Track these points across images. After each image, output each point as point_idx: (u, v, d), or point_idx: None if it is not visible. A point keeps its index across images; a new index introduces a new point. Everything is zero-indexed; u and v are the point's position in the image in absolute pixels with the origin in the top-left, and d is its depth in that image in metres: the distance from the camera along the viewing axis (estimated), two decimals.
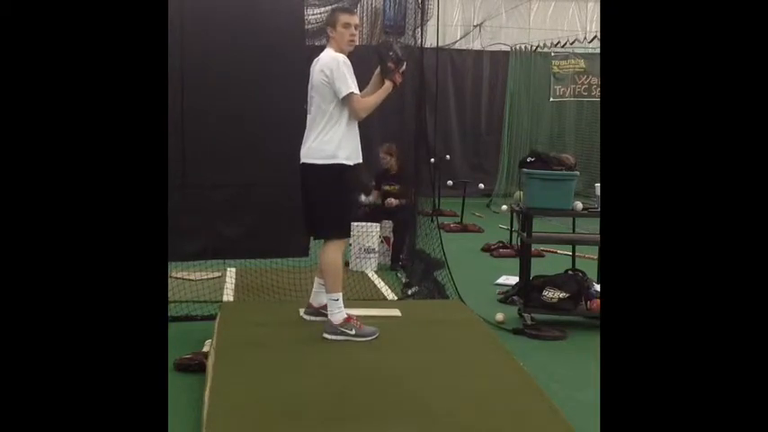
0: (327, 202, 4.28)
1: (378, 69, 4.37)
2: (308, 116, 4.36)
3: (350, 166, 4.26)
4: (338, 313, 4.24)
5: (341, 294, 4.28)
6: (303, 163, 4.33)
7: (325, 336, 4.24)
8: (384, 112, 8.56)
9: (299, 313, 4.62)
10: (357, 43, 4.35)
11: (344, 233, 4.42)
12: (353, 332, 4.22)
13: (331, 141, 4.22)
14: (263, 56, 5.28)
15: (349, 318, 4.26)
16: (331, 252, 4.31)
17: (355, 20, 4.37)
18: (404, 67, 4.27)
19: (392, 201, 7.51)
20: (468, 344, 4.35)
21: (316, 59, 4.35)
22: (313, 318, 4.50)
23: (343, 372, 3.80)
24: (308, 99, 4.36)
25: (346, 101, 4.17)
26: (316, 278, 4.55)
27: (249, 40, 5.28)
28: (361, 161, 4.35)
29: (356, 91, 4.19)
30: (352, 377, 3.72)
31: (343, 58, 4.22)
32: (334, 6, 4.70)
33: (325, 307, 4.39)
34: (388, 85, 4.29)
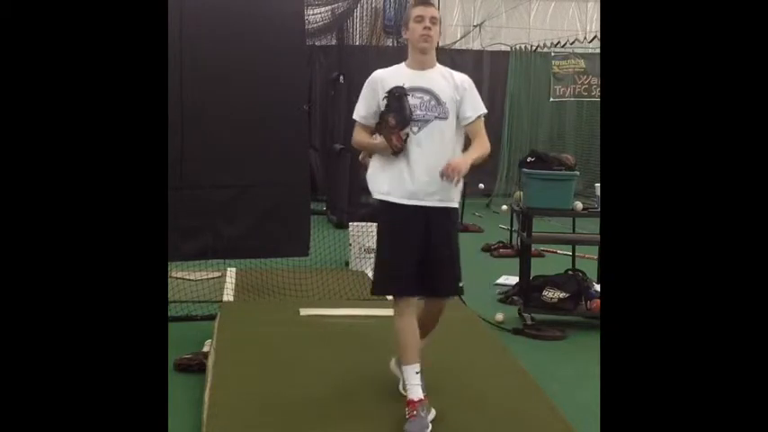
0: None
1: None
2: None
3: (388, 202, 3.38)
4: (409, 388, 3.34)
5: (410, 368, 3.33)
6: None
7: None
8: None
9: (300, 313, 4.63)
10: (428, 40, 3.43)
11: (381, 289, 3.51)
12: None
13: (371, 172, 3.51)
14: (263, 56, 5.28)
15: (410, 402, 3.27)
16: (394, 313, 3.42)
17: (430, 12, 3.43)
18: (405, 131, 3.30)
19: None
20: (468, 344, 4.35)
21: None
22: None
23: (343, 372, 3.80)
24: None
25: None
26: None
27: (249, 39, 5.28)
28: (406, 202, 3.35)
29: (356, 118, 3.48)
30: (352, 377, 3.72)
31: (373, 77, 3.48)
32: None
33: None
34: (382, 143, 3.34)
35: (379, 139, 3.39)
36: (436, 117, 3.35)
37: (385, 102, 3.35)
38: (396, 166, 3.34)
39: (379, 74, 3.48)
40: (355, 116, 3.49)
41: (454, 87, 3.44)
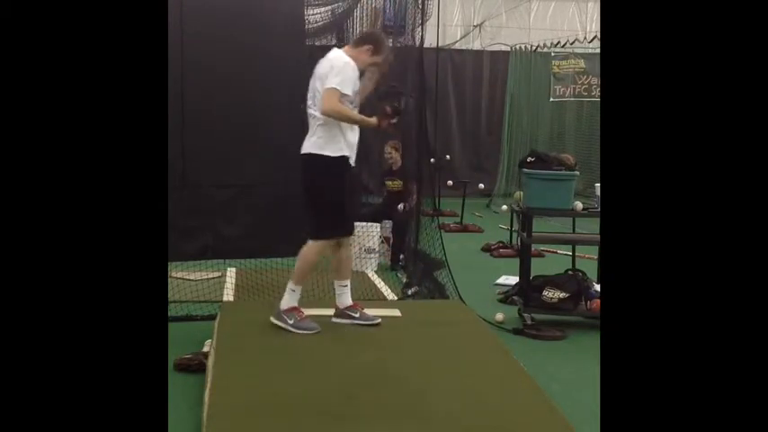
0: (315, 195, 4.37)
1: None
2: (308, 111, 4.36)
3: (335, 157, 4.24)
4: (288, 301, 4.37)
5: (300, 288, 4.40)
6: (301, 154, 4.37)
7: (271, 319, 4.38)
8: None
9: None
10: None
11: (325, 233, 4.37)
12: (291, 321, 4.32)
13: (323, 135, 4.25)
14: (263, 56, 5.28)
15: (294, 308, 4.35)
16: (310, 249, 4.38)
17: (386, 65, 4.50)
18: (394, 120, 4.38)
19: (402, 206, 7.45)
20: (468, 344, 4.35)
21: (323, 58, 4.36)
22: (341, 320, 4.52)
23: (344, 372, 3.80)
24: (312, 93, 4.34)
25: (325, 93, 4.16)
26: (335, 281, 4.56)
27: (249, 40, 5.28)
28: (348, 157, 4.29)
29: (343, 90, 4.15)
30: (352, 377, 3.72)
31: (352, 62, 4.26)
32: (378, 32, 4.77)
33: (350, 308, 4.51)
34: (372, 120, 4.32)
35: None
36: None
37: (386, 95, 4.48)
38: (346, 138, 4.24)
39: (354, 63, 4.26)
40: (344, 90, 4.16)
41: None
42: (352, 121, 4.25)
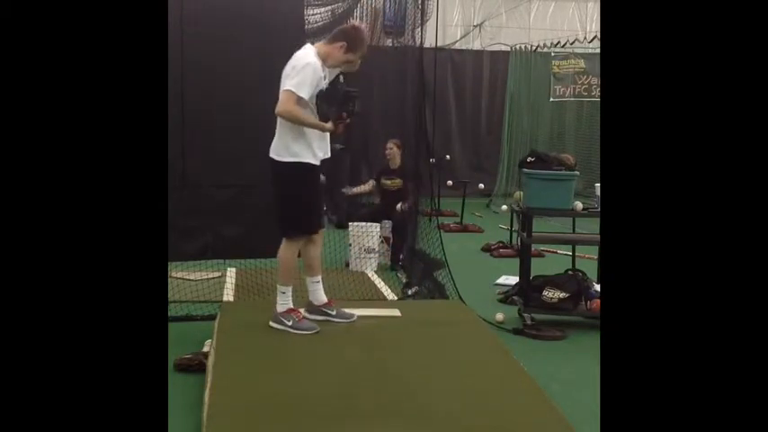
0: (278, 198, 4.40)
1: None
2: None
3: (284, 162, 4.24)
4: (282, 304, 4.37)
5: (290, 288, 4.39)
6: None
7: (270, 324, 4.37)
8: (386, 113, 8.56)
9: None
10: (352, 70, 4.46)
11: (291, 232, 4.38)
12: (290, 323, 4.32)
13: (279, 139, 4.27)
14: (263, 56, 5.27)
15: (291, 310, 4.36)
16: (284, 248, 4.39)
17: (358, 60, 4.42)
18: (348, 121, 4.32)
19: (401, 206, 7.43)
20: (469, 344, 4.35)
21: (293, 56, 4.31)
22: (316, 317, 4.50)
23: (344, 372, 3.80)
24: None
25: (282, 94, 4.14)
26: (307, 278, 4.57)
27: (249, 40, 5.29)
28: (304, 164, 4.25)
29: (299, 94, 4.11)
30: (352, 377, 3.72)
31: (315, 64, 4.18)
32: (355, 28, 4.47)
33: (326, 305, 4.49)
34: (327, 125, 4.23)
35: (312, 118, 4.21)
36: None
37: (342, 97, 4.28)
38: (307, 137, 4.23)
39: (317, 63, 4.20)
40: (300, 93, 4.11)
41: None
42: (305, 124, 4.19)
